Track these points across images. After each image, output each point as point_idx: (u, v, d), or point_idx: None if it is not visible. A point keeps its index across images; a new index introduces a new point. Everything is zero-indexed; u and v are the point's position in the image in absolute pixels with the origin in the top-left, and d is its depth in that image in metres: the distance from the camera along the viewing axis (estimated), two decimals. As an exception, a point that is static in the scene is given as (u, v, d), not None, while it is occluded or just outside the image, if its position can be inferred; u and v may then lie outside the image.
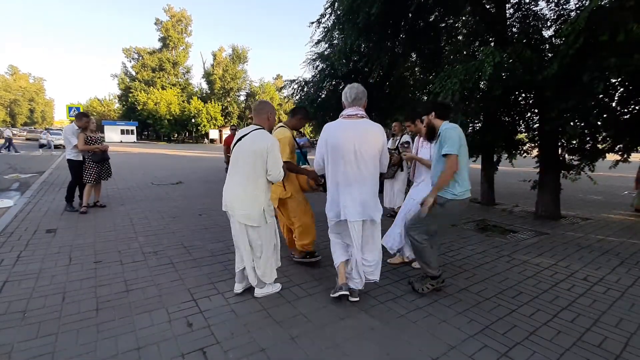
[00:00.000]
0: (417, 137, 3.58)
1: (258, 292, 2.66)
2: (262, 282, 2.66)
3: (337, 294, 2.56)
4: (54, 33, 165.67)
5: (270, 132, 2.71)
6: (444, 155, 2.55)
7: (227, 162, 11.46)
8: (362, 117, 2.47)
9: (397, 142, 5.12)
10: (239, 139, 2.57)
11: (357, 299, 2.58)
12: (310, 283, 2.96)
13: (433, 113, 2.77)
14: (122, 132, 41.71)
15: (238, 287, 2.71)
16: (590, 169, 5.87)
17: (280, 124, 3.32)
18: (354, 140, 2.40)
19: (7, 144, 18.87)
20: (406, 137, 4.98)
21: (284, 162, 2.85)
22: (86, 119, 5.32)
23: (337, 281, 2.66)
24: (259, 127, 2.59)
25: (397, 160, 4.92)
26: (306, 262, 3.34)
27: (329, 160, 2.52)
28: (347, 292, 2.55)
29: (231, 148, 2.65)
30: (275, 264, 2.75)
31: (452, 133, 2.54)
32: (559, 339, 2.23)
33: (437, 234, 2.83)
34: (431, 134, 2.83)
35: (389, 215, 5.28)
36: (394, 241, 3.34)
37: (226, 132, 34.01)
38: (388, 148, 4.95)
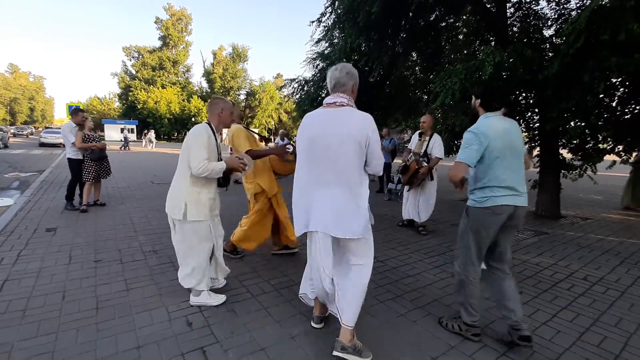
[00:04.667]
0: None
1: (192, 300, 2.52)
2: (196, 289, 2.50)
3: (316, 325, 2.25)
4: (54, 32, 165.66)
5: (223, 128, 2.67)
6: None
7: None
8: (342, 105, 1.91)
9: (425, 145, 4.43)
10: None
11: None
12: (310, 282, 2.96)
13: (478, 100, 2.24)
14: (122, 130, 41.66)
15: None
16: (592, 170, 5.88)
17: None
18: (326, 133, 1.89)
19: (126, 143, 22.53)
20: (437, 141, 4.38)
21: (245, 151, 3.03)
22: (82, 114, 5.31)
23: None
24: (206, 123, 2.53)
25: (425, 170, 4.20)
26: (229, 253, 3.43)
27: (301, 159, 2.04)
28: (321, 324, 2.23)
29: None
30: (201, 272, 2.49)
31: (468, 136, 2.11)
32: (558, 339, 2.23)
33: (496, 257, 2.21)
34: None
35: (400, 225, 4.99)
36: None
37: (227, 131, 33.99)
38: (412, 152, 4.71)
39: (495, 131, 2.07)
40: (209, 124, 2.50)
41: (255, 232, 3.33)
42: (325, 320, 2.32)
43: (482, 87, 2.27)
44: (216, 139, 2.51)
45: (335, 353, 1.92)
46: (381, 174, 2.21)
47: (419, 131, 4.64)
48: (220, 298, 2.58)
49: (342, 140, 1.85)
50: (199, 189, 2.43)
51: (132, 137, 33.03)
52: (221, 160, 2.52)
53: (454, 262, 2.31)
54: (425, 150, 4.41)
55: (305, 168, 2.00)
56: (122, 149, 21.64)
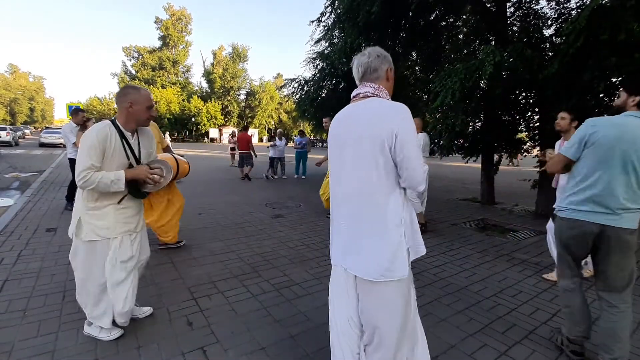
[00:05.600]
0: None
1: (85, 329, 2.09)
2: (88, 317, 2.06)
3: None
4: (54, 32, 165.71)
5: (135, 124, 2.00)
6: None
7: (232, 159, 11.67)
8: (367, 95, 1.44)
9: None
10: None
11: None
12: (310, 282, 2.97)
13: (638, 97, 1.78)
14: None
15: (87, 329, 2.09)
16: None
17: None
18: (344, 133, 1.45)
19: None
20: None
21: None
22: (82, 114, 5.32)
23: None
24: (109, 120, 1.97)
25: None
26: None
27: (330, 167, 1.58)
28: None
29: None
30: (91, 298, 2.00)
31: (579, 132, 1.84)
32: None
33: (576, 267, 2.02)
34: None
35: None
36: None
37: (227, 131, 34.10)
38: None
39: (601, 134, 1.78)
40: (112, 121, 1.94)
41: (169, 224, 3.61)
42: (326, 319, 2.31)
43: None
44: (125, 140, 1.94)
45: None
46: (422, 190, 1.38)
47: None
48: (116, 332, 2.06)
49: (358, 141, 1.37)
50: (95, 206, 1.92)
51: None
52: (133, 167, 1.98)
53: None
54: None
55: (332, 177, 1.55)
56: None
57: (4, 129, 21.01)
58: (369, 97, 1.44)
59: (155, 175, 2.02)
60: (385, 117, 1.33)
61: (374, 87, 1.45)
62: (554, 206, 2.05)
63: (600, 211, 1.78)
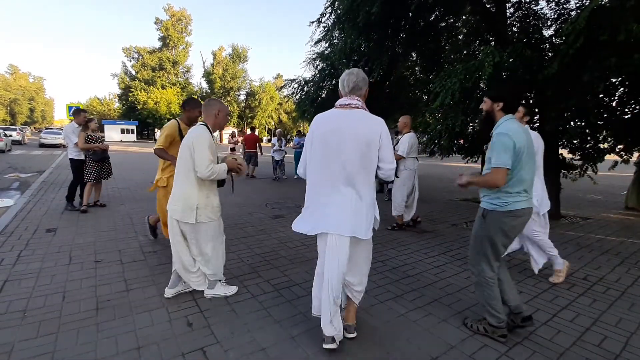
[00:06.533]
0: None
1: (207, 292, 2.61)
2: (210, 281, 2.61)
3: (328, 346, 1.96)
4: (54, 32, 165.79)
5: (218, 130, 2.66)
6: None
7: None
8: (357, 107, 1.97)
9: (396, 142, 4.83)
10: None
11: (354, 334, 2.12)
12: (310, 282, 2.95)
13: (501, 103, 2.13)
14: (122, 131, 41.67)
15: (168, 292, 2.59)
16: (593, 170, 5.88)
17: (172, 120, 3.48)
18: (343, 133, 1.90)
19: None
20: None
21: (155, 148, 3.27)
22: (84, 114, 5.32)
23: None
24: (202, 123, 2.54)
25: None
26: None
27: (313, 157, 2.01)
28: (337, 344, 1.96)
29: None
30: (217, 265, 2.60)
31: (503, 139, 2.00)
32: (558, 339, 2.23)
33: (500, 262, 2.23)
34: (487, 129, 2.24)
35: (389, 228, 4.80)
36: (538, 260, 3.16)
37: (227, 131, 34.15)
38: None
39: (521, 134, 2.04)
40: (205, 125, 2.48)
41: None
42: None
43: (505, 89, 2.20)
44: (213, 140, 2.49)
45: (350, 336, 2.10)
46: (392, 179, 2.12)
47: (396, 130, 5.01)
48: (232, 289, 2.69)
49: (353, 139, 1.89)
50: (209, 192, 2.48)
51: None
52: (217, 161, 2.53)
53: (471, 268, 2.30)
54: (394, 147, 4.59)
55: (317, 166, 1.99)
56: None
57: (14, 129, 24.84)
58: (358, 108, 1.99)
59: (242, 166, 2.59)
60: (375, 126, 1.95)
61: (361, 102, 2.02)
62: (485, 207, 2.16)
63: (530, 197, 2.14)
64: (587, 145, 5.68)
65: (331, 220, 1.93)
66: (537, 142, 2.94)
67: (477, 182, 2.15)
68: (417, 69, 9.38)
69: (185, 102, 3.52)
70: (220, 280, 2.66)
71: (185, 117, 3.43)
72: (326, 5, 7.47)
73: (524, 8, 6.51)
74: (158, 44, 47.27)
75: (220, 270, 2.64)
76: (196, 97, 44.50)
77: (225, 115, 2.57)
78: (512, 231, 2.11)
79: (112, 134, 39.48)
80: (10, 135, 20.62)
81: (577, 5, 5.71)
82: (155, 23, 46.22)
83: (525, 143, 2.03)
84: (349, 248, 1.95)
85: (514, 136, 1.99)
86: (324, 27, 8.32)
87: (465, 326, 2.34)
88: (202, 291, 2.65)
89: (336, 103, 2.04)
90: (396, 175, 4.54)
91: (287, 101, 35.65)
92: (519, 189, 2.07)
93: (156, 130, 29.92)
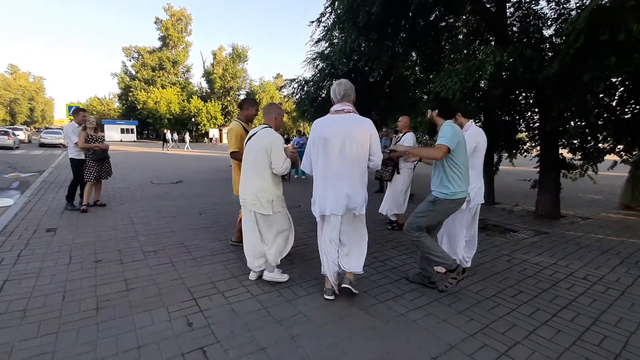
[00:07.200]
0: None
1: (266, 275, 2.91)
2: (271, 265, 2.90)
3: (329, 297, 2.65)
4: (54, 32, 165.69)
5: (277, 131, 2.94)
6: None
7: None
8: (349, 112, 2.51)
9: (397, 140, 4.88)
10: (250, 137, 2.89)
11: (355, 291, 2.64)
12: (310, 282, 2.97)
13: (436, 110, 2.78)
14: (122, 131, 41.68)
15: (252, 275, 2.98)
16: (593, 169, 5.87)
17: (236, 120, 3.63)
18: (341, 135, 2.43)
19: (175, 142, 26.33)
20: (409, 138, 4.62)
21: (230, 152, 3.47)
22: (83, 113, 5.32)
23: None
24: (266, 125, 2.87)
25: (386, 157, 4.64)
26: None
27: (318, 156, 2.54)
28: (334, 294, 2.66)
29: (244, 145, 2.96)
30: (284, 251, 2.97)
31: (448, 128, 2.58)
32: (558, 338, 2.23)
33: (432, 232, 2.88)
34: (432, 132, 2.90)
35: (389, 228, 4.82)
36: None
37: (220, 129, 34.11)
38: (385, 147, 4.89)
39: (459, 132, 2.63)
40: (269, 126, 2.86)
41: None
42: (326, 319, 2.32)
43: (440, 100, 2.95)
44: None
45: (345, 285, 2.61)
46: (379, 168, 2.75)
47: (397, 129, 5.04)
48: (286, 277, 2.97)
49: (349, 139, 2.42)
50: (278, 185, 2.89)
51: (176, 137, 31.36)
52: None
53: (407, 232, 2.78)
54: (395, 144, 4.73)
55: (322, 163, 2.53)
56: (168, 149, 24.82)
57: (20, 129, 27.54)
58: (350, 112, 2.52)
59: (297, 158, 2.93)
60: (366, 127, 2.48)
61: (352, 106, 2.55)
62: (437, 196, 2.67)
63: (466, 189, 2.74)
64: (587, 145, 5.68)
65: (331, 204, 2.51)
66: (478, 138, 3.15)
67: (425, 154, 2.80)
68: (417, 68, 9.36)
69: (243, 101, 3.74)
70: (277, 266, 2.96)
71: (243, 116, 3.63)
72: (326, 5, 7.46)
73: (524, 8, 6.50)
74: (158, 44, 47.34)
75: (279, 257, 2.94)
76: (196, 97, 44.59)
77: (282, 117, 2.98)
78: (450, 212, 2.78)
79: (112, 133, 39.48)
80: (18, 135, 22.85)
81: (577, 5, 5.70)
82: (155, 23, 46.25)
83: (462, 139, 2.64)
84: (347, 223, 2.61)
85: (456, 130, 2.61)
86: (324, 26, 8.31)
87: (440, 291, 2.78)
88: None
89: (331, 109, 2.56)
90: (398, 172, 4.70)
91: (287, 101, 35.65)
92: (458, 178, 2.65)
93: (166, 131, 29.98)
